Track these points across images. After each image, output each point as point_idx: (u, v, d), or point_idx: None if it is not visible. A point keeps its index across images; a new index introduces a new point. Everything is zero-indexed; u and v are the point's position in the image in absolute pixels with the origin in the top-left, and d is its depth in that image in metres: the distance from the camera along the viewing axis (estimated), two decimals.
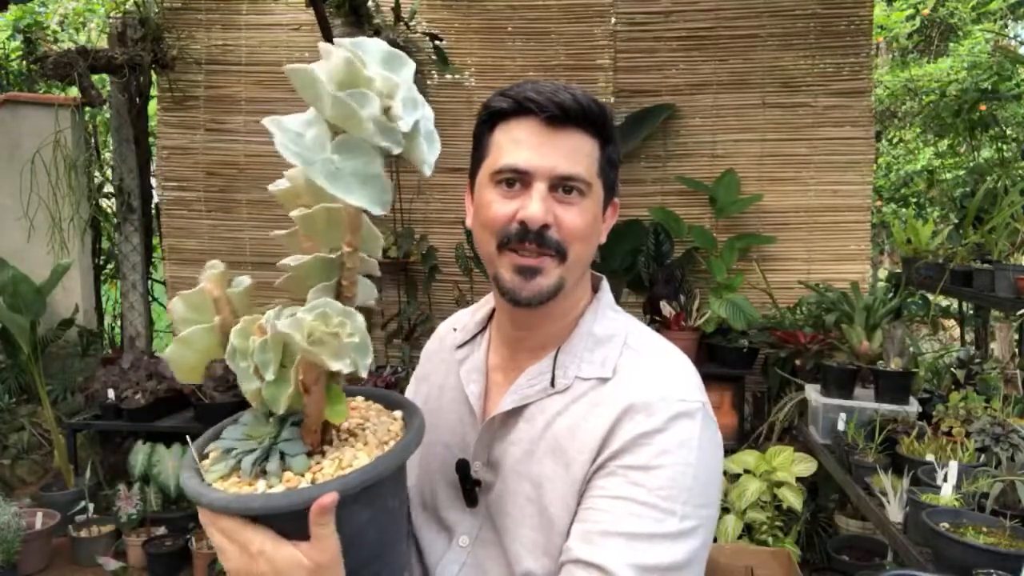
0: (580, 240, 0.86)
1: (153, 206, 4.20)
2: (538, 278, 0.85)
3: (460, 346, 1.01)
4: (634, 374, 0.87)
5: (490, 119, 0.90)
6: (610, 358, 0.89)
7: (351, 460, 0.70)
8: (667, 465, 0.79)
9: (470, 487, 0.90)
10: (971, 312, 3.80)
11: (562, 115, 0.84)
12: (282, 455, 0.68)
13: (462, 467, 0.91)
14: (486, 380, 0.96)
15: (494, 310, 1.01)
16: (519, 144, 0.85)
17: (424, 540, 0.94)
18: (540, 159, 0.84)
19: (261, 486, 0.67)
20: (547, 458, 0.86)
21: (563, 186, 0.85)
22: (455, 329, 1.04)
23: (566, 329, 0.93)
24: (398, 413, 0.82)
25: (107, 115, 4.22)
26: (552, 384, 0.89)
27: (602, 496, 0.80)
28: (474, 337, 1.01)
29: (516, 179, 0.85)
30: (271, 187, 0.73)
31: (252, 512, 0.65)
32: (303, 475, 0.68)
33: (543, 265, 0.85)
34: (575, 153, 0.86)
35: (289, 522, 0.66)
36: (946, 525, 1.62)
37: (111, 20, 3.96)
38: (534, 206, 0.83)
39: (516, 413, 0.90)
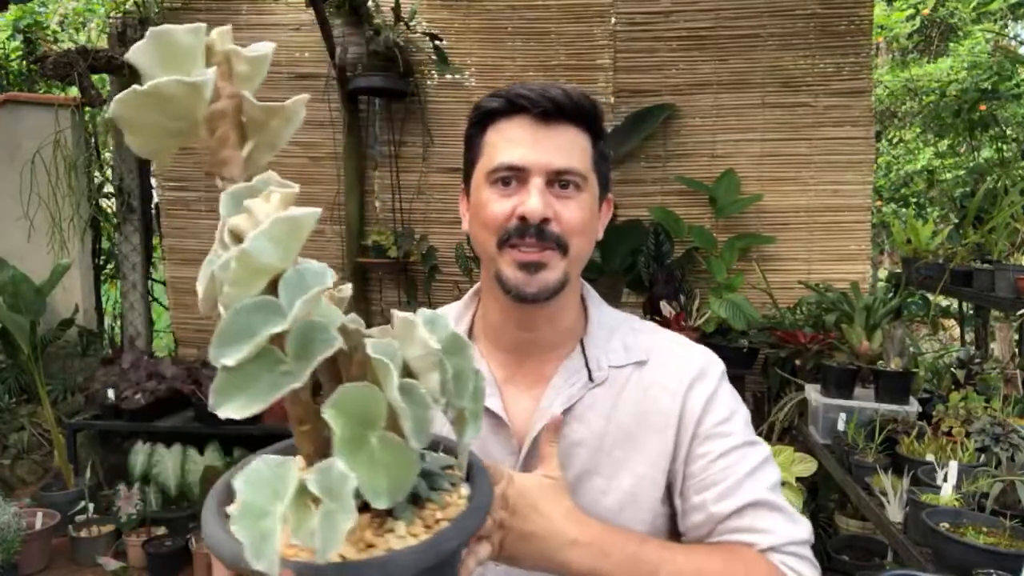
0: (579, 234, 0.87)
1: (153, 206, 4.20)
2: (543, 272, 0.85)
3: None
4: (670, 352, 0.95)
5: (481, 120, 0.90)
6: (629, 343, 0.94)
7: None
8: (735, 411, 0.91)
9: None
10: (971, 312, 3.79)
11: (555, 109, 0.84)
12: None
13: None
14: (500, 391, 0.93)
15: (473, 320, 0.99)
16: (513, 142, 0.85)
17: None
18: (535, 155, 0.84)
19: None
20: (616, 448, 0.89)
21: (560, 180, 0.85)
22: None
23: (577, 324, 0.94)
24: None
25: (107, 115, 4.22)
26: (590, 379, 0.91)
27: (711, 460, 0.87)
28: None
29: (512, 177, 0.85)
30: None
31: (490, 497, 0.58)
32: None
33: (547, 259, 0.85)
34: (569, 147, 0.86)
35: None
36: (946, 525, 1.61)
37: (111, 20, 3.96)
38: (533, 200, 0.83)
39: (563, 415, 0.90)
